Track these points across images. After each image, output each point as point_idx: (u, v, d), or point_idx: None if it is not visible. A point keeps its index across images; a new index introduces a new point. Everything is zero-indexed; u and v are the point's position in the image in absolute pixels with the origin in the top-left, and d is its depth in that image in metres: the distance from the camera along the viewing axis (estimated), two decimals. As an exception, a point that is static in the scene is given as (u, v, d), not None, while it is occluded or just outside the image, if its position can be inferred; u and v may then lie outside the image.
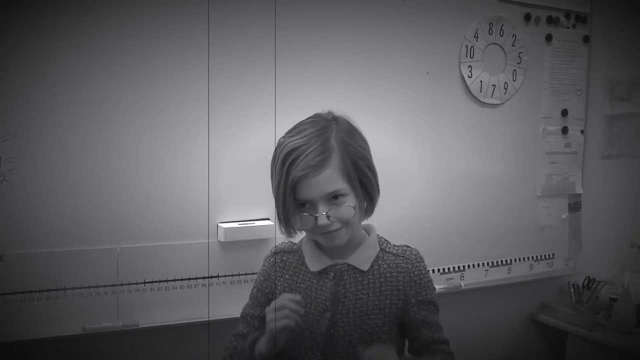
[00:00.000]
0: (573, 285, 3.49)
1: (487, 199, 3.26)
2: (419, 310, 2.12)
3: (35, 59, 2.23)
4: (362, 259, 2.08)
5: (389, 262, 2.11)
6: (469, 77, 3.11)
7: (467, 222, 3.21)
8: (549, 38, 3.35)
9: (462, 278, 3.20)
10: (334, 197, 1.92)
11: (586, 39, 3.48)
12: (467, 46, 3.09)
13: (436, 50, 3.03)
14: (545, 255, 3.48)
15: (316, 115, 2.04)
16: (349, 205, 1.93)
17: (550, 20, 3.34)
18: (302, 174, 1.87)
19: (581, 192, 3.58)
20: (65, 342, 2.35)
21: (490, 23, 3.14)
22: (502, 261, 3.33)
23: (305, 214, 1.93)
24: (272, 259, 2.16)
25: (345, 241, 2.00)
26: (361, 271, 2.06)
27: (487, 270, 3.28)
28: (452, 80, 3.10)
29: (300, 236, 2.14)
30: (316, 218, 1.91)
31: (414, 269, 2.12)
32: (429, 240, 3.00)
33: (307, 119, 2.04)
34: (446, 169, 3.13)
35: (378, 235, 2.18)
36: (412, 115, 3.00)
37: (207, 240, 2.54)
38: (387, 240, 2.18)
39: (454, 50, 3.08)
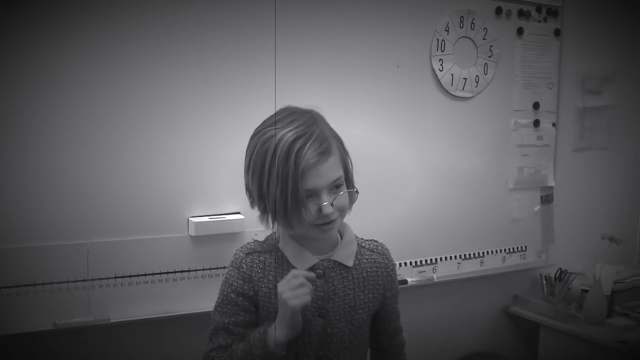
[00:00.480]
0: (545, 277, 3.51)
1: (459, 192, 3.27)
2: (392, 302, 2.23)
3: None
4: (346, 254, 2.11)
5: (367, 257, 2.16)
6: (440, 71, 3.11)
7: (439, 215, 3.22)
8: (520, 31, 3.36)
9: (434, 271, 3.21)
10: (335, 187, 1.94)
11: (557, 33, 3.50)
12: (437, 39, 3.09)
13: (407, 43, 3.03)
14: (517, 248, 3.50)
15: (293, 108, 2.03)
16: (350, 190, 2.01)
17: (522, 14, 3.35)
18: (314, 161, 1.87)
19: (553, 184, 3.60)
20: (36, 337, 2.34)
21: (461, 16, 3.14)
22: (474, 254, 3.34)
23: (312, 203, 1.91)
24: (248, 260, 2.07)
25: (338, 228, 2.06)
26: (346, 267, 2.09)
27: (459, 263, 3.30)
28: (423, 74, 3.10)
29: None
30: (321, 208, 1.91)
31: (389, 264, 2.22)
32: (401, 233, 3.05)
33: (284, 111, 2.02)
34: (418, 162, 3.13)
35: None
36: (383, 109, 3.00)
37: (178, 235, 2.54)
38: (356, 235, 2.20)
39: (425, 43, 3.08)
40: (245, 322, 2.03)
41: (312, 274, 1.97)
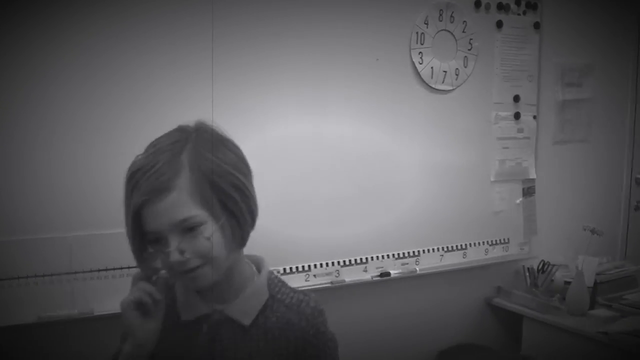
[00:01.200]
0: (528, 269, 3.54)
1: (441, 185, 3.29)
2: None
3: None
4: (244, 309, 1.65)
5: (279, 314, 1.67)
6: (420, 64, 3.13)
7: (422, 208, 3.23)
8: (499, 24, 3.39)
9: (417, 263, 3.23)
10: (189, 229, 1.49)
11: (537, 26, 3.52)
12: (417, 32, 3.11)
13: (386, 36, 3.04)
14: (500, 240, 3.52)
15: (178, 127, 1.62)
16: (206, 236, 1.51)
17: (501, 7, 3.37)
18: (143, 199, 1.48)
19: (535, 177, 3.62)
20: (20, 330, 2.35)
21: (441, 9, 3.17)
22: (457, 246, 3.37)
23: (152, 250, 1.55)
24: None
25: (214, 281, 1.56)
26: (242, 325, 1.64)
27: (442, 255, 3.32)
28: (402, 67, 3.11)
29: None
30: (168, 254, 1.49)
31: (309, 328, 1.67)
32: (383, 226, 3.09)
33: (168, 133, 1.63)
34: (399, 155, 3.15)
35: (272, 273, 1.77)
36: (363, 102, 3.01)
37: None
38: (282, 282, 1.76)
39: (404, 36, 3.10)
40: None
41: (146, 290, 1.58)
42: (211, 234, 1.51)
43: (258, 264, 1.76)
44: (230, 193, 1.55)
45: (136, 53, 2.45)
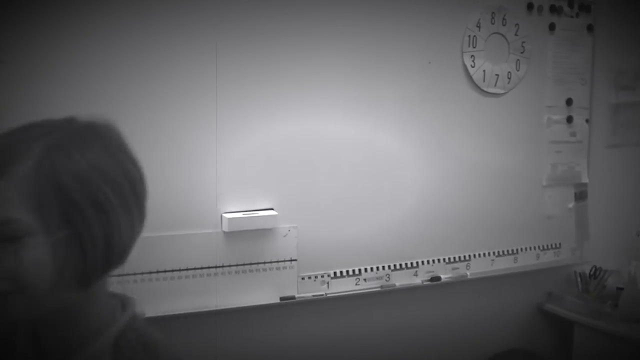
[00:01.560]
0: (580, 274, 3.50)
1: (492, 189, 3.26)
2: None
3: (33, 52, 2.25)
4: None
5: None
6: (472, 67, 3.11)
7: (473, 212, 3.21)
8: (552, 27, 3.34)
9: (468, 267, 3.20)
10: (9, 238, 1.05)
11: (590, 28, 3.47)
12: (469, 36, 3.09)
13: (438, 39, 3.03)
14: (551, 245, 3.47)
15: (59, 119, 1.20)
16: (31, 252, 1.06)
17: (553, 9, 3.33)
18: None
19: (587, 181, 3.57)
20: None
21: (493, 12, 3.14)
22: (508, 250, 3.32)
23: None
24: None
25: (29, 319, 1.16)
26: None
27: (493, 260, 3.28)
28: (454, 70, 3.09)
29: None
30: None
31: None
32: (434, 230, 3.07)
33: None
34: (451, 159, 3.12)
35: (132, 323, 1.29)
36: (415, 105, 2.99)
37: (212, 231, 2.55)
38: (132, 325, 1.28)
39: (457, 39, 3.07)
40: None
41: None
42: (37, 256, 1.06)
43: (124, 305, 1.33)
44: (82, 207, 1.11)
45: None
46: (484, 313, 3.37)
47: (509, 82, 3.23)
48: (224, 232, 2.58)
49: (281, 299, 2.73)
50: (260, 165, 2.62)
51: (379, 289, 2.95)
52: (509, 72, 3.23)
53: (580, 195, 3.56)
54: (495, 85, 3.20)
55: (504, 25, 3.19)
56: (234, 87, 2.58)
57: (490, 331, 3.40)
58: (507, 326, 3.49)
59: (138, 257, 2.37)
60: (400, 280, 3.01)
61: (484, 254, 3.26)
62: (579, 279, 3.49)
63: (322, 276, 2.81)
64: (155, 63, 2.44)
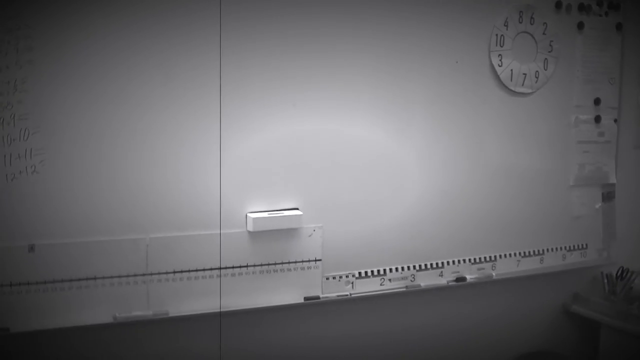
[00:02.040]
0: (606, 275, 3.47)
1: (519, 189, 3.24)
2: None
3: (61, 53, 2.25)
4: None
5: None
6: (499, 66, 3.08)
7: (498, 212, 3.19)
8: (580, 26, 3.31)
9: (493, 268, 3.18)
10: None
11: (619, 27, 3.43)
12: (497, 35, 3.06)
13: (465, 39, 3.00)
14: (578, 245, 3.44)
15: None
16: None
17: (582, 8, 3.29)
18: None
19: (615, 181, 3.54)
20: (95, 330, 2.39)
21: (521, 11, 3.11)
22: (534, 251, 3.30)
23: None
24: None
25: None
26: None
27: (519, 260, 3.26)
28: (482, 70, 3.06)
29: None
30: None
31: None
32: (460, 230, 3.07)
33: None
34: (477, 158, 3.11)
35: None
36: (442, 105, 2.98)
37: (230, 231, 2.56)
38: None
39: (484, 39, 3.05)
40: None
41: None
42: None
43: None
44: None
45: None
46: (509, 314, 3.35)
47: (536, 82, 3.20)
48: (249, 232, 2.58)
49: (305, 299, 2.73)
50: (286, 164, 2.63)
51: (404, 289, 2.94)
52: (537, 71, 3.19)
53: (608, 196, 3.53)
54: (523, 84, 3.17)
55: (531, 24, 3.15)
56: (261, 87, 2.58)
57: (516, 332, 3.38)
58: (533, 328, 3.46)
59: (161, 257, 2.43)
60: (426, 280, 2.99)
61: (510, 255, 3.23)
62: (605, 281, 3.46)
63: (347, 276, 2.81)
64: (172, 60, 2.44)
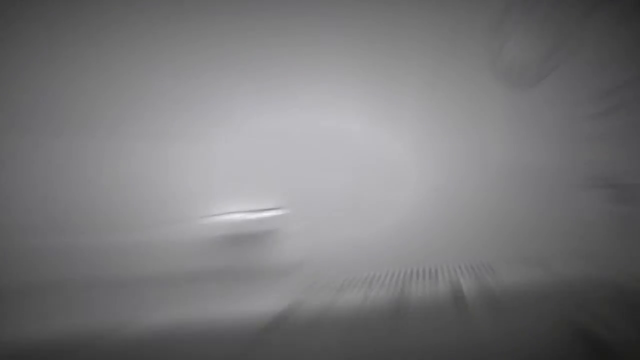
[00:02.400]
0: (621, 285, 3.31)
1: (522, 189, 3.14)
2: None
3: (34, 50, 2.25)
4: None
5: None
6: (501, 55, 2.99)
7: (501, 215, 3.07)
8: (591, 9, 3.16)
9: (493, 275, 3.02)
10: None
11: (636, 9, 3.28)
12: (498, 21, 2.97)
13: (466, 27, 2.93)
14: (588, 252, 3.27)
15: None
16: None
17: (588, -4, 3.20)
18: None
19: (630, 182, 3.38)
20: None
21: (525, -3, 3.03)
22: (539, 257, 3.14)
23: None
24: None
25: None
26: None
27: (522, 268, 3.09)
28: (482, 59, 2.98)
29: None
30: None
31: None
32: (457, 233, 2.98)
33: None
34: (478, 155, 3.02)
35: None
36: (437, 97, 2.91)
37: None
38: None
39: (484, 24, 2.96)
40: None
41: None
42: None
43: None
44: None
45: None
46: (510, 326, 3.15)
47: (542, 71, 3.09)
48: (224, 234, 2.51)
49: (287, 306, 2.60)
50: (266, 162, 2.59)
51: (393, 296, 2.80)
52: (542, 60, 3.08)
53: (622, 198, 3.36)
54: (527, 74, 3.06)
55: (537, 11, 3.05)
56: (242, 80, 2.55)
57: (519, 348, 3.16)
58: (537, 342, 3.24)
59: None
60: (418, 287, 2.85)
61: (512, 261, 3.10)
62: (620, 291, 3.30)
63: (332, 282, 2.72)
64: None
